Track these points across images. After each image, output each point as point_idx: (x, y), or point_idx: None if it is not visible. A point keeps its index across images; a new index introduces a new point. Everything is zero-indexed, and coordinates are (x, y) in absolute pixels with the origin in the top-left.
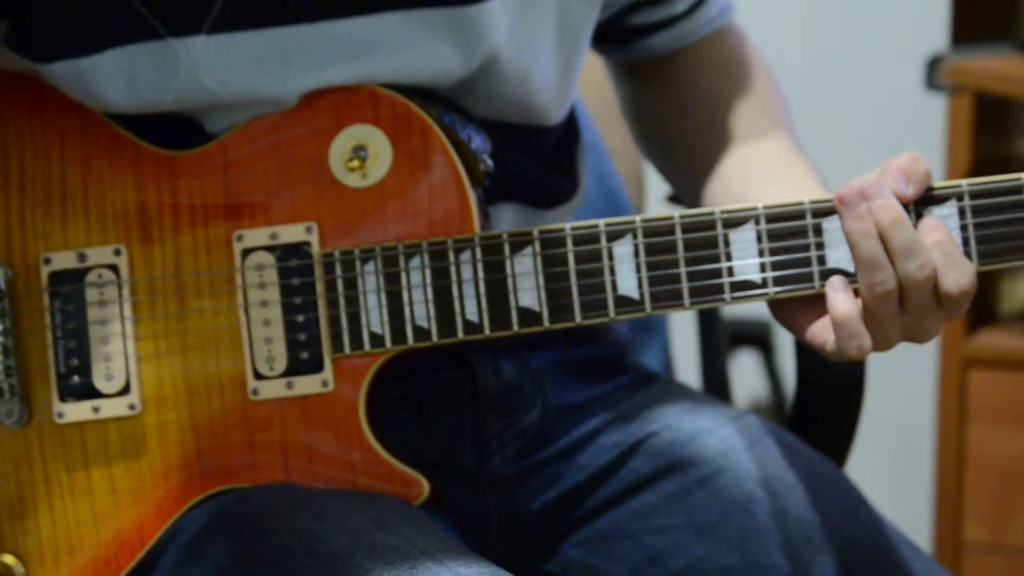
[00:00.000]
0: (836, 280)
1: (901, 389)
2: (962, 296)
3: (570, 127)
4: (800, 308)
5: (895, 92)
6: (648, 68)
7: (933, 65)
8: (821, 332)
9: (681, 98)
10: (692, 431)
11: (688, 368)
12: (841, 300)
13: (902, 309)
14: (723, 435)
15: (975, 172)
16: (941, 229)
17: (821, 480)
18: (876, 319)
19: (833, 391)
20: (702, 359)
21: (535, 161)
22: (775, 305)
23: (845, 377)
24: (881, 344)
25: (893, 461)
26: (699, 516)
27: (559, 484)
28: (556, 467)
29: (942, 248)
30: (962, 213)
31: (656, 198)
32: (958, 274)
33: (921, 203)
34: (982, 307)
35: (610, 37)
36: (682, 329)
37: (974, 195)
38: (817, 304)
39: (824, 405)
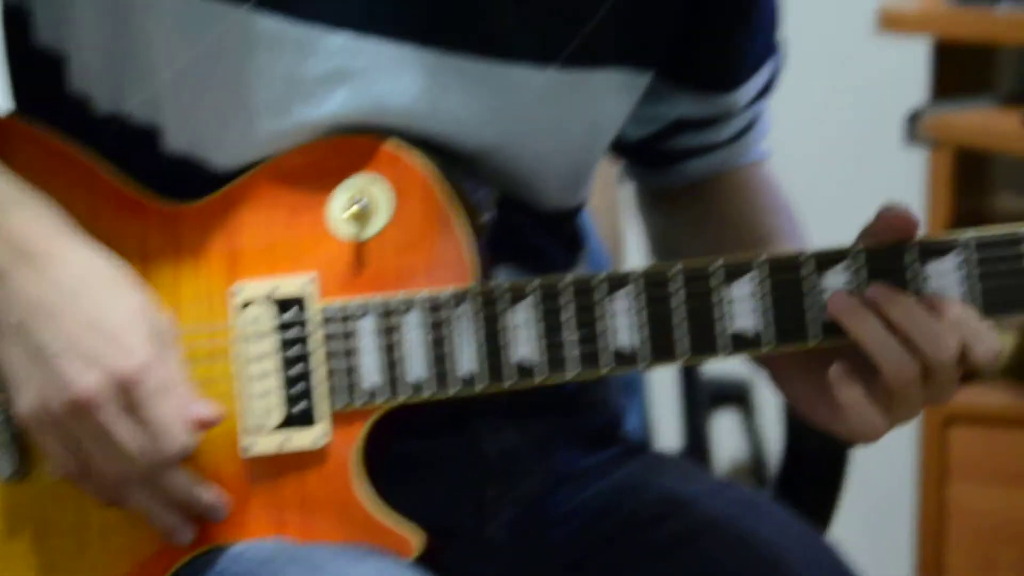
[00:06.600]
0: (835, 372)
1: (881, 446)
2: (994, 361)
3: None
4: (808, 386)
5: (875, 147)
6: (679, 195)
7: (913, 120)
8: (827, 412)
9: (709, 226)
10: (686, 500)
11: (668, 428)
12: (847, 394)
13: (927, 383)
14: (716, 503)
15: (956, 227)
16: (955, 302)
17: (814, 551)
18: (903, 399)
19: (820, 455)
20: (683, 418)
21: (537, 225)
22: (782, 381)
23: (832, 441)
24: (907, 416)
25: (874, 518)
26: None
27: (556, 551)
28: (553, 534)
29: (966, 324)
30: (965, 264)
31: (635, 257)
32: (988, 343)
33: (922, 255)
34: None
35: (648, 159)
36: (662, 388)
37: (977, 247)
38: (816, 375)
39: (810, 468)
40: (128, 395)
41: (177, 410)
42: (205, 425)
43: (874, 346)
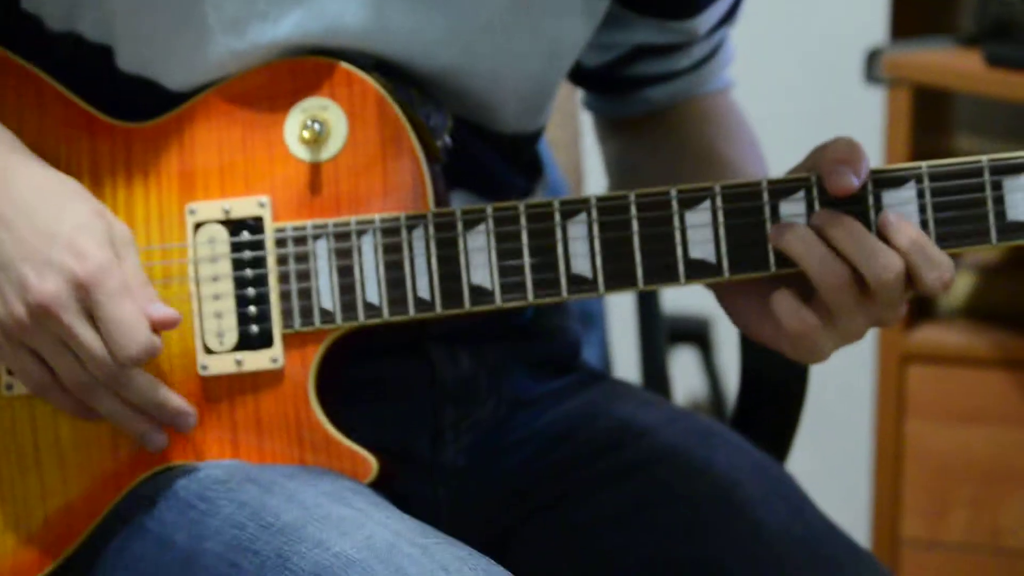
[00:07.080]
0: (779, 298)
1: (839, 384)
2: (945, 289)
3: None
4: (752, 305)
5: (834, 85)
6: (640, 123)
7: (872, 58)
8: (771, 330)
9: (669, 152)
10: (641, 428)
11: (627, 364)
12: (791, 317)
13: (869, 301)
14: (671, 432)
15: None
16: (910, 227)
17: (768, 479)
18: (839, 311)
19: (777, 385)
20: (642, 354)
21: (494, 151)
22: (727, 300)
23: (789, 371)
24: (850, 334)
25: (831, 457)
26: (646, 509)
27: (511, 477)
28: (508, 460)
29: (917, 248)
30: (921, 195)
31: (595, 189)
32: (939, 272)
33: (879, 184)
34: (920, 302)
35: (608, 86)
36: (621, 324)
37: (933, 177)
38: (763, 294)
39: (768, 399)
40: (87, 297)
41: (137, 311)
42: (164, 326)
43: (798, 251)
